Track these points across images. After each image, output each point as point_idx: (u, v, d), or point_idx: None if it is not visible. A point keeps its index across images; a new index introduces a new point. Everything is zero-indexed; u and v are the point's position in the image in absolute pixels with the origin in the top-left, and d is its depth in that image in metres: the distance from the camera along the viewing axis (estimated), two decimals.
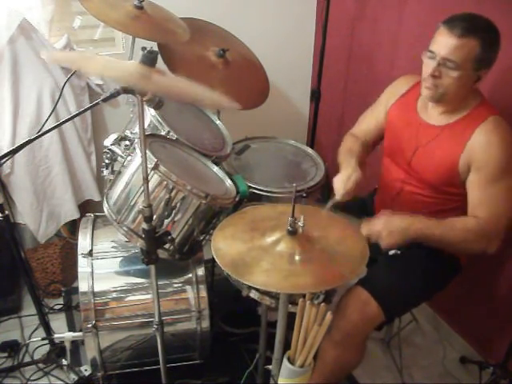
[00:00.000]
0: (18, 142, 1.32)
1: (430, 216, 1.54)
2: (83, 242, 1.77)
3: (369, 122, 1.85)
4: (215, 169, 1.75)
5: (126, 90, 1.20)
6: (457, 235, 1.50)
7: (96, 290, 1.68)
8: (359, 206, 1.91)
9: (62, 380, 1.94)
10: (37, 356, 2.02)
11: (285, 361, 1.25)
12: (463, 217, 1.53)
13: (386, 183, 1.79)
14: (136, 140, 1.64)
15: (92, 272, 1.70)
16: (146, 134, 1.61)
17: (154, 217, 1.37)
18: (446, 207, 1.62)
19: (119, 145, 1.74)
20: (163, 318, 1.53)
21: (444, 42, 1.42)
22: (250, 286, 1.39)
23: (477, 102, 1.53)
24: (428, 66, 1.47)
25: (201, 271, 1.76)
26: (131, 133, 1.77)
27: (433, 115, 1.61)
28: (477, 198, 1.50)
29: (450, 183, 1.57)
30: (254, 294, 1.40)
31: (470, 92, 1.52)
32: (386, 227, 1.47)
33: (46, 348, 2.01)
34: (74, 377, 1.92)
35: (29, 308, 2.21)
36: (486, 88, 1.60)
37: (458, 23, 1.40)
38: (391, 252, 1.58)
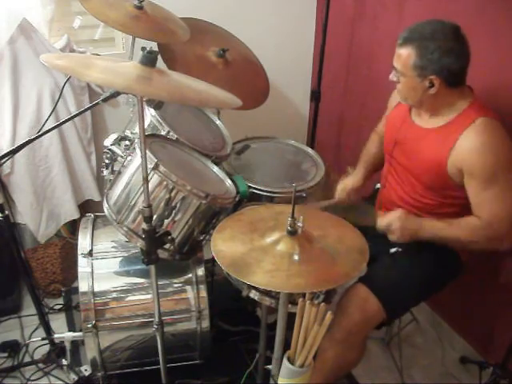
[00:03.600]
0: (18, 142, 1.32)
1: (423, 214, 1.62)
2: (83, 242, 1.76)
3: (383, 121, 1.91)
4: (215, 169, 1.75)
5: None
6: (463, 235, 1.53)
7: (96, 290, 1.68)
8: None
9: (62, 380, 1.94)
10: (37, 356, 2.02)
11: (285, 361, 1.25)
12: (469, 217, 1.54)
13: (382, 182, 1.86)
14: (136, 140, 1.64)
15: (92, 272, 1.70)
16: (146, 134, 1.62)
17: (154, 217, 1.37)
18: (438, 205, 1.63)
19: (119, 145, 1.74)
20: (163, 318, 1.53)
21: (395, 55, 1.53)
22: (249, 286, 1.39)
23: (466, 105, 1.53)
24: None
25: (201, 271, 1.76)
26: (131, 133, 1.77)
27: (424, 118, 1.63)
28: (476, 202, 1.52)
29: (441, 185, 1.58)
30: (254, 294, 1.40)
31: (444, 96, 1.53)
32: (401, 223, 1.54)
33: (46, 348, 2.01)
34: (74, 377, 1.92)
35: (29, 308, 2.21)
36: (485, 88, 1.60)
37: (402, 34, 1.50)
38: (392, 250, 1.59)
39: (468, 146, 1.47)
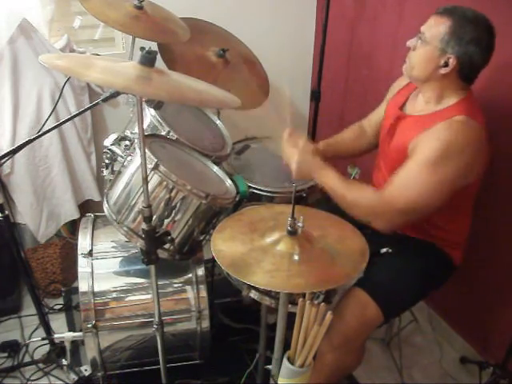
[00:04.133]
0: (18, 142, 1.32)
1: None
2: (83, 242, 1.76)
3: (373, 115, 1.91)
4: (215, 169, 1.75)
5: None
6: (352, 196, 1.52)
7: (96, 290, 1.68)
8: None
9: (62, 380, 1.94)
10: (37, 356, 2.02)
11: (285, 361, 1.25)
12: (368, 186, 1.55)
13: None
14: (136, 140, 1.64)
15: (92, 272, 1.70)
16: (146, 134, 1.62)
17: (154, 217, 1.37)
18: None
19: (119, 145, 1.74)
20: (163, 318, 1.53)
21: (428, 21, 1.50)
22: (249, 286, 1.39)
23: (456, 101, 1.51)
24: None
25: (201, 271, 1.76)
26: (131, 133, 1.77)
27: (415, 107, 1.62)
28: (392, 177, 1.50)
29: None
30: (254, 294, 1.40)
31: (446, 83, 1.50)
32: (299, 161, 1.58)
33: (46, 348, 2.01)
34: (73, 377, 1.92)
35: (29, 308, 2.22)
36: (482, 87, 1.60)
37: (445, 6, 1.47)
38: (383, 250, 1.58)
39: (428, 135, 1.45)
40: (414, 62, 1.54)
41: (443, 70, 1.47)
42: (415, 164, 1.45)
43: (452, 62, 1.45)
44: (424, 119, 1.53)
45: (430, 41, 1.47)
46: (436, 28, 1.46)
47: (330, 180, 1.56)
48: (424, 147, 1.44)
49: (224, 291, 1.89)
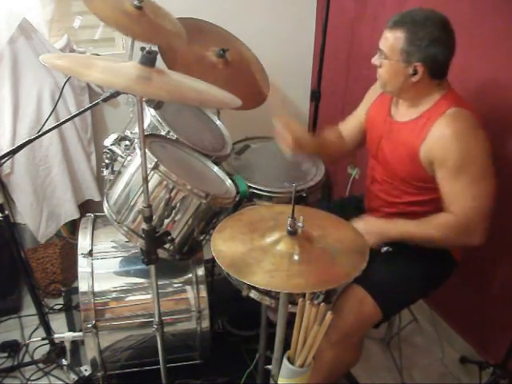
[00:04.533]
0: (18, 142, 1.32)
1: (405, 207, 1.64)
2: (83, 241, 1.77)
3: (350, 120, 1.92)
4: (215, 169, 1.75)
5: None
6: (434, 233, 1.53)
7: (96, 290, 1.68)
8: (357, 204, 1.93)
9: (62, 380, 1.94)
10: (37, 356, 2.02)
11: (285, 361, 1.25)
12: (439, 213, 1.55)
13: (365, 180, 1.86)
14: (136, 140, 1.64)
15: (92, 272, 1.70)
16: (146, 134, 1.62)
17: (154, 217, 1.37)
18: (419, 199, 1.64)
19: (119, 145, 1.74)
20: (163, 318, 1.53)
21: (382, 36, 1.53)
22: (249, 286, 1.39)
23: (438, 97, 1.54)
24: None
25: (201, 271, 1.77)
26: (131, 133, 1.77)
27: (402, 112, 1.64)
28: (447, 195, 1.52)
29: (419, 179, 1.59)
30: (254, 294, 1.40)
31: (424, 86, 1.53)
32: (365, 229, 1.50)
33: (46, 348, 2.01)
34: (73, 377, 1.92)
35: (29, 308, 2.22)
36: (485, 87, 1.60)
37: (392, 18, 1.50)
38: (383, 249, 1.59)
39: (439, 135, 1.48)
40: (384, 79, 1.57)
41: (414, 78, 1.50)
42: (457, 172, 1.47)
43: (419, 68, 1.48)
44: (417, 122, 1.55)
45: (390, 56, 1.50)
46: (392, 42, 1.49)
47: (404, 230, 1.55)
48: (449, 155, 1.46)
49: (224, 291, 1.88)
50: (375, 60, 1.56)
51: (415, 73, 1.48)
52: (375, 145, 1.73)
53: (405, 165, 1.59)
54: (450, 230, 1.51)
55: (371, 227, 1.56)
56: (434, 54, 1.45)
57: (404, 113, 1.63)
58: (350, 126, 1.92)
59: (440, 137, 1.48)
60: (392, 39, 1.48)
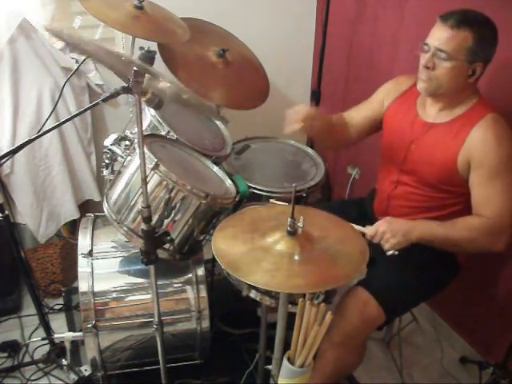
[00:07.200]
0: (18, 142, 1.31)
1: (427, 213, 1.60)
2: (83, 241, 1.77)
3: (361, 110, 1.84)
4: (215, 169, 1.75)
5: (126, 90, 1.20)
6: (461, 235, 1.51)
7: (96, 290, 1.68)
8: (358, 206, 1.92)
9: (62, 380, 1.94)
10: (37, 356, 2.01)
11: (285, 361, 1.25)
12: (467, 216, 1.54)
13: (381, 184, 1.81)
14: (136, 140, 1.64)
15: (92, 272, 1.70)
16: (146, 134, 1.62)
17: (154, 217, 1.37)
18: (442, 204, 1.62)
19: (119, 145, 1.74)
20: (163, 318, 1.53)
21: (438, 34, 1.46)
22: (250, 286, 1.39)
23: (475, 101, 1.54)
24: (423, 58, 1.51)
25: (201, 271, 1.76)
26: (131, 133, 1.77)
27: (431, 113, 1.62)
28: (479, 197, 1.51)
29: (449, 182, 1.57)
30: (254, 294, 1.40)
31: (468, 89, 1.52)
32: (390, 228, 1.49)
33: (46, 348, 2.01)
34: (73, 377, 1.92)
35: (29, 308, 2.21)
36: (483, 85, 1.60)
37: (452, 16, 1.45)
38: (389, 253, 1.58)
39: (480, 138, 1.47)
40: (442, 81, 1.49)
41: (471, 79, 1.48)
42: (493, 175, 1.47)
43: (478, 68, 1.46)
44: (452, 125, 1.54)
45: (455, 56, 1.44)
46: (459, 42, 1.43)
47: (433, 230, 1.52)
48: (488, 158, 1.46)
49: (224, 291, 1.88)
50: (428, 62, 1.47)
51: (473, 73, 1.47)
52: (403, 150, 1.66)
53: (437, 166, 1.56)
54: (478, 232, 1.50)
55: (396, 227, 1.51)
56: (492, 54, 1.46)
57: (434, 115, 1.60)
58: (360, 116, 1.83)
59: (481, 140, 1.47)
60: (459, 39, 1.42)
